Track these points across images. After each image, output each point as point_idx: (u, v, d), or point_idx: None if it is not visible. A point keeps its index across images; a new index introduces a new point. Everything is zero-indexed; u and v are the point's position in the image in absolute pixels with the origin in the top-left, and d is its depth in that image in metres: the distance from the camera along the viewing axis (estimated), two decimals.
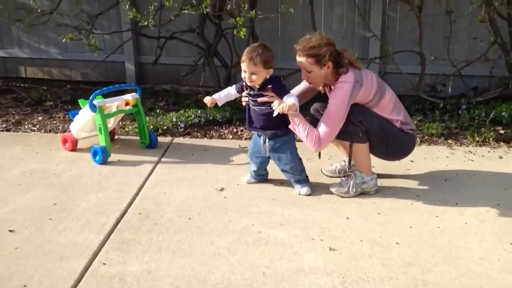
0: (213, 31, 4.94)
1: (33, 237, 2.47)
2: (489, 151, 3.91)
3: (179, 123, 4.22)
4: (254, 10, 3.97)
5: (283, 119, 2.88)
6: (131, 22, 5.38)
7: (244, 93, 2.99)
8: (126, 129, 4.23)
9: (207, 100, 3.08)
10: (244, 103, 3.02)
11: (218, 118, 4.34)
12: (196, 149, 3.82)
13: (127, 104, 3.66)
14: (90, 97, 3.44)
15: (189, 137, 4.14)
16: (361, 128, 2.90)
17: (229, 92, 3.07)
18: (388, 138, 2.99)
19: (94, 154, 3.47)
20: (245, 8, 3.97)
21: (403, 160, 3.44)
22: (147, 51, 5.64)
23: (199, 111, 4.38)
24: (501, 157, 3.78)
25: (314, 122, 3.16)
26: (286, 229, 2.60)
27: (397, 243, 2.48)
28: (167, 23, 4.46)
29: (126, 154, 3.66)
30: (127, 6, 3.97)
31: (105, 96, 3.63)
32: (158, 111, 4.54)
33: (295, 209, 2.84)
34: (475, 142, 4.08)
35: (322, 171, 3.38)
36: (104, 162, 3.44)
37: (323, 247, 2.43)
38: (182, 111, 4.40)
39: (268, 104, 2.87)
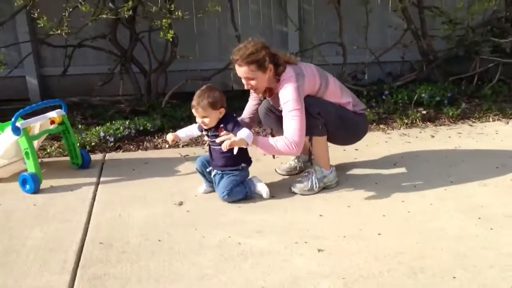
0: (127, 35, 4.63)
1: None
2: (420, 132, 4.08)
3: (107, 137, 3.88)
4: (180, 11, 3.76)
5: (243, 155, 2.84)
6: (30, 32, 4.91)
7: (204, 133, 2.91)
8: (48, 150, 3.80)
9: (169, 137, 2.96)
10: (206, 143, 2.96)
11: (149, 128, 4.07)
12: (135, 163, 3.53)
13: (52, 122, 3.28)
14: (13, 119, 3.02)
15: (122, 151, 3.83)
16: (321, 120, 2.85)
17: (192, 131, 3.02)
18: (346, 123, 2.99)
19: (23, 182, 3.06)
20: (172, 9, 3.74)
21: (348, 149, 3.48)
22: (49, 63, 5.16)
23: (127, 122, 4.07)
24: (433, 136, 3.96)
25: (268, 120, 3.08)
26: (265, 236, 2.47)
27: (379, 234, 2.46)
28: (80, 30, 4.08)
29: (57, 178, 3.28)
30: (36, 14, 3.55)
31: (25, 116, 3.22)
32: (80, 126, 4.14)
33: (265, 213, 2.72)
34: (404, 125, 4.24)
35: (276, 171, 3.28)
36: (36, 190, 3.05)
37: (310, 249, 2.34)
38: (109, 124, 4.05)
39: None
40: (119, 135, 3.93)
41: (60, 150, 3.78)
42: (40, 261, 2.29)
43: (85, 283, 2.11)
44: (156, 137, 4.06)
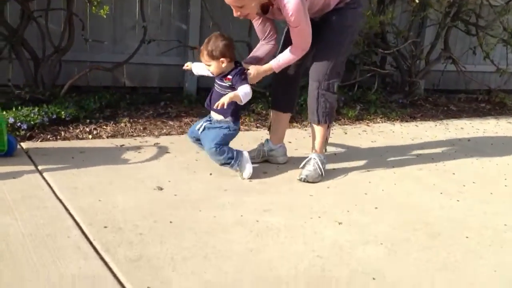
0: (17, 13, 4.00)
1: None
2: (332, 131, 4.36)
3: (19, 124, 3.28)
4: None
5: (235, 107, 2.77)
6: None
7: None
8: None
9: (186, 65, 2.97)
10: None
11: (63, 116, 3.56)
12: (69, 152, 3.06)
13: None
14: None
15: (39, 141, 3.27)
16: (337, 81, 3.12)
17: (204, 70, 2.89)
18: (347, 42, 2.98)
19: None
20: None
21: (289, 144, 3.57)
22: None
23: (37, 109, 3.50)
24: (345, 133, 4.28)
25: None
26: (276, 214, 2.40)
27: (376, 208, 2.59)
28: None
29: None
30: None
31: None
32: None
33: (256, 195, 2.63)
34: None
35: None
36: None
37: (329, 222, 2.36)
38: (15, 110, 3.43)
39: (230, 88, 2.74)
40: (32, 122, 3.36)
41: None
42: (47, 249, 1.85)
43: (127, 266, 1.78)
44: (72, 127, 3.57)
